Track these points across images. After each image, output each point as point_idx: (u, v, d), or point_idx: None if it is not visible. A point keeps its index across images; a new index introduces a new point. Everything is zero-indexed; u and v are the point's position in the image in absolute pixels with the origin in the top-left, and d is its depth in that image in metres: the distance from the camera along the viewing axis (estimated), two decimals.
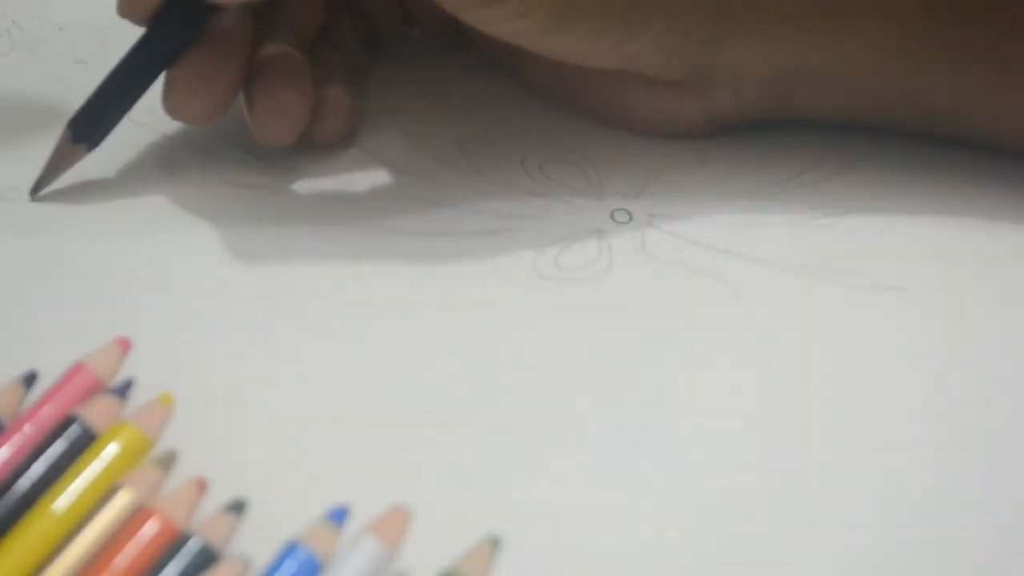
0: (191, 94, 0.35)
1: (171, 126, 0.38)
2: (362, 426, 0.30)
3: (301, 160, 0.38)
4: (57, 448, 0.28)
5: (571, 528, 0.28)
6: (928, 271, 0.35)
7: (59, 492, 0.27)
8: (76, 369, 0.29)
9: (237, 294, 0.34)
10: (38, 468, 0.27)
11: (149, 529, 0.26)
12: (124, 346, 0.31)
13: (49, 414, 0.28)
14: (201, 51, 0.35)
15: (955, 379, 0.32)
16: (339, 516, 0.27)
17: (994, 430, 0.30)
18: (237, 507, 0.27)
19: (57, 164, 0.36)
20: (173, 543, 0.26)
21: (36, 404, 0.29)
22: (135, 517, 0.26)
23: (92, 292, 0.33)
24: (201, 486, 0.27)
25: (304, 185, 0.37)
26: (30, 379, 0.30)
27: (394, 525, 0.27)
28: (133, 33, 0.36)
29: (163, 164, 0.38)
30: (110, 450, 0.28)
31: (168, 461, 0.28)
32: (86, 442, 0.28)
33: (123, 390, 0.29)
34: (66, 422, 0.28)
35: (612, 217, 0.36)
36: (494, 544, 0.27)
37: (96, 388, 0.29)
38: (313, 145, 0.38)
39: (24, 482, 0.27)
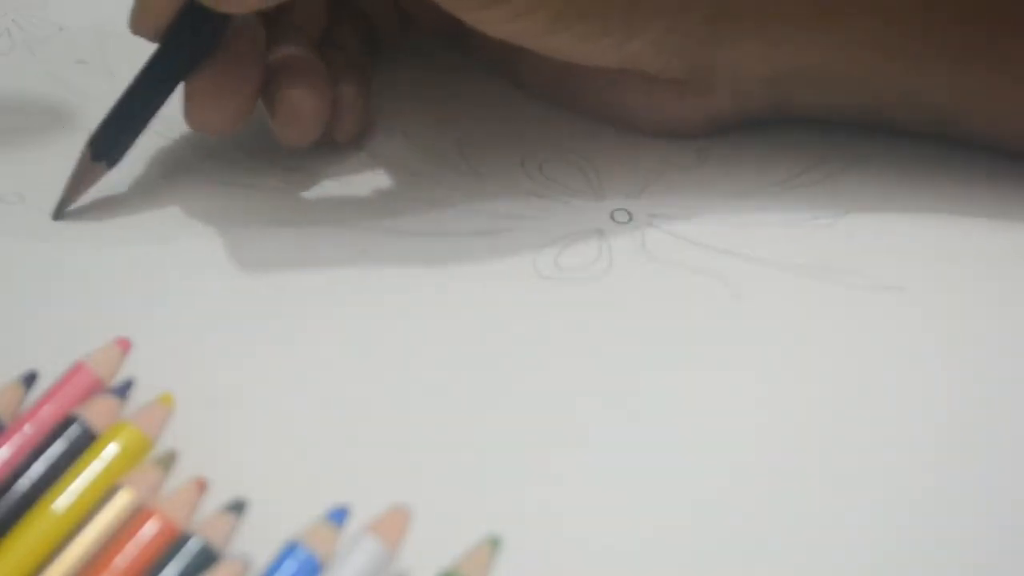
0: (211, 104, 0.35)
1: (171, 127, 0.38)
2: (362, 426, 0.30)
3: (300, 161, 0.38)
4: (57, 448, 0.28)
5: (571, 528, 0.28)
6: (928, 271, 0.35)
7: (59, 492, 0.27)
8: (76, 369, 0.30)
9: (237, 294, 0.34)
10: (38, 468, 0.27)
11: (149, 529, 0.26)
12: (124, 346, 0.31)
13: (49, 414, 0.28)
14: (217, 61, 0.35)
15: (955, 379, 0.32)
16: (339, 516, 0.27)
17: (994, 430, 0.30)
18: (237, 507, 0.27)
19: (78, 184, 0.36)
20: (173, 543, 0.26)
21: (36, 404, 0.29)
22: (135, 517, 0.27)
23: (92, 292, 0.33)
24: (201, 486, 0.27)
25: (304, 186, 0.37)
26: (30, 379, 0.30)
27: (394, 525, 0.27)
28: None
29: (163, 164, 0.38)
30: (110, 450, 0.28)
31: (168, 461, 0.28)
32: (86, 442, 0.28)
33: (123, 390, 0.29)
34: (66, 422, 0.28)
35: (612, 217, 0.36)
36: (494, 544, 0.27)
37: (96, 388, 0.29)
38: (313, 146, 0.38)
39: (24, 482, 0.27)
